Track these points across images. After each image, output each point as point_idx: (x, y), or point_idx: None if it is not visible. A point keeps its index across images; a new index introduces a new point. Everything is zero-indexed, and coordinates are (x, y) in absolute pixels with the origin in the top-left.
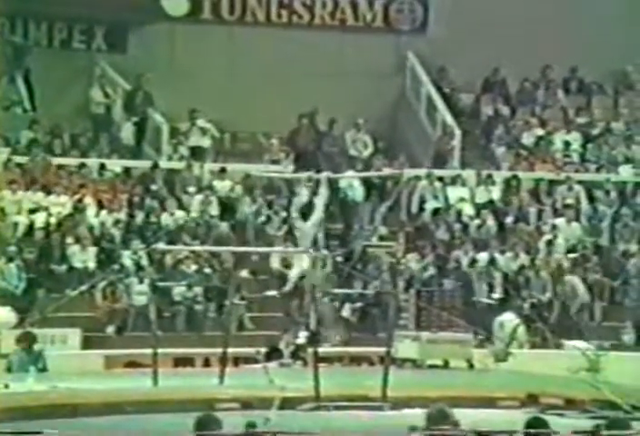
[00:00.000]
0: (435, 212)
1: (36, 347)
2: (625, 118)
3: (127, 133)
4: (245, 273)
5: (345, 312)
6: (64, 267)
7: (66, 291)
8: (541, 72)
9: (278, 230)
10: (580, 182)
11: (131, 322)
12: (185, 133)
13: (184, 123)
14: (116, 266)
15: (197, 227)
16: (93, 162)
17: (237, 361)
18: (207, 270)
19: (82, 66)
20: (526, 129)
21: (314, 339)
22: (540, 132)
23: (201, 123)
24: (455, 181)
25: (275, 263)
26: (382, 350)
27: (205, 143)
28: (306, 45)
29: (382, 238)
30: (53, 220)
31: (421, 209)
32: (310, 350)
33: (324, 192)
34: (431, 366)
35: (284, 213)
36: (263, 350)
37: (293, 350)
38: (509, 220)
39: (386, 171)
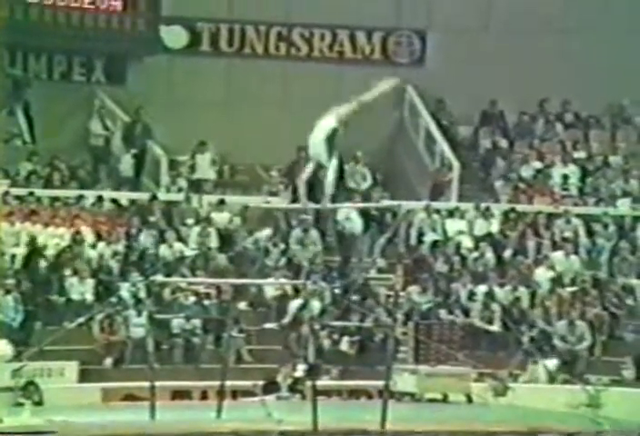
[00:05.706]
0: (434, 244)
1: (31, 380)
2: (622, 152)
3: (126, 165)
4: (243, 305)
5: (344, 345)
6: (61, 299)
7: (64, 323)
8: (539, 105)
9: (277, 262)
10: (578, 215)
11: (129, 355)
12: (192, 166)
13: (186, 156)
14: (114, 298)
15: (196, 259)
16: (91, 194)
17: (235, 394)
18: (206, 302)
19: (81, 98)
20: (525, 162)
21: (312, 372)
22: (538, 165)
23: (204, 157)
24: (453, 213)
25: (271, 294)
26: (380, 383)
27: (211, 175)
28: (305, 78)
29: (380, 270)
30: (51, 252)
31: (419, 241)
32: (308, 383)
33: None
34: (430, 400)
35: (282, 245)
36: (260, 383)
37: (291, 383)
38: (508, 253)
39: (385, 203)
